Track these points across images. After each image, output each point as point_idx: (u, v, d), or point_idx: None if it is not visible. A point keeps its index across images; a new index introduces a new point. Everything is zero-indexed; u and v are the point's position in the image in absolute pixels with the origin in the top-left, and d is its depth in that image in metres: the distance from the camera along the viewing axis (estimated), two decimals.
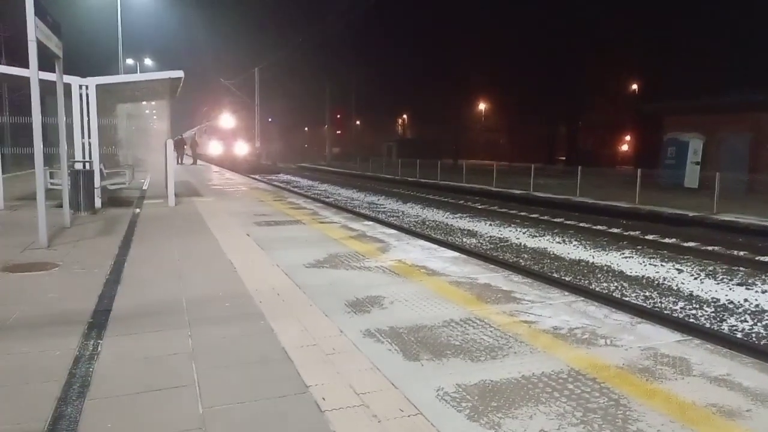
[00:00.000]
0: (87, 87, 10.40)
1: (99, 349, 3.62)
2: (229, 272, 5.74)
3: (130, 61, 42.53)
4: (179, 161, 36.44)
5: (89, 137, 10.49)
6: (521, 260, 11.96)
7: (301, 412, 2.81)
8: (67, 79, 10.14)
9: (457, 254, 6.91)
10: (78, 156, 10.34)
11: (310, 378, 3.18)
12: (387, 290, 5.02)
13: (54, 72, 8.31)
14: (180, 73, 11.22)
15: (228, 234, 8.05)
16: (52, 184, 10.77)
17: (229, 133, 41.61)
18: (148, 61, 46.69)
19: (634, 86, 44.72)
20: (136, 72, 37.79)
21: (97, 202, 10.69)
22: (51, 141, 9.63)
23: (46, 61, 7.87)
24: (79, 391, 3.01)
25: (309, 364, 3.38)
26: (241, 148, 38.88)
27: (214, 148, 41.26)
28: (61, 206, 8.91)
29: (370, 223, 9.34)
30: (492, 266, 6.29)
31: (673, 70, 35.48)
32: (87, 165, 10.34)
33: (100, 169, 11.08)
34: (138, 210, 10.99)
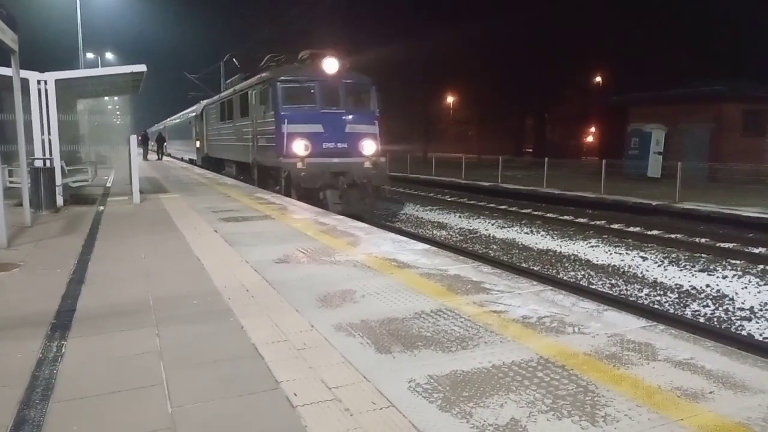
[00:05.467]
0: (46, 82, 10.09)
1: (63, 350, 3.53)
2: (197, 270, 5.65)
3: (91, 56, 41.50)
4: (145, 157, 35.77)
5: (49, 134, 10.20)
6: (490, 251, 12.09)
7: (272, 408, 2.78)
8: (24, 74, 9.82)
9: (427, 246, 6.94)
10: (38, 153, 10.04)
11: (281, 374, 3.15)
12: (358, 284, 5.01)
13: (10, 67, 8.06)
14: (142, 67, 10.98)
15: (195, 231, 7.93)
16: (11, 182, 10.47)
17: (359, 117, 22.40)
18: (109, 56, 45.57)
19: (598, 79, 45.48)
20: (98, 66, 36.79)
21: (59, 200, 10.42)
22: (9, 138, 9.34)
23: (2, 56, 7.63)
24: (42, 394, 2.93)
25: (280, 360, 3.35)
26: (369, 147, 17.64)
27: (299, 146, 16.39)
28: (20, 205, 8.66)
29: (341, 217, 9.30)
30: (462, 258, 6.34)
31: (637, 63, 36.24)
32: (47, 162, 10.05)
33: (62, 166, 10.79)
34: (102, 208, 10.74)
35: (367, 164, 13.57)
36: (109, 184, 16.28)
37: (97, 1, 33.30)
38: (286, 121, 13.20)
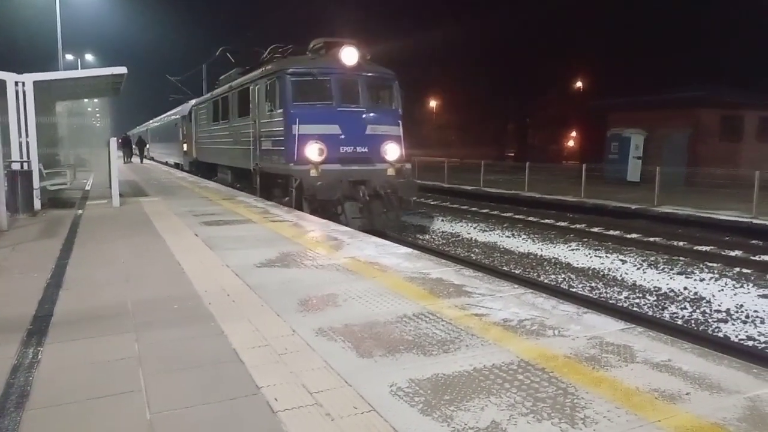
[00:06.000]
0: (24, 84, 9.94)
1: (39, 356, 3.47)
2: (178, 274, 5.60)
3: (70, 57, 40.98)
4: (126, 159, 35.37)
5: (27, 136, 10.05)
6: (472, 254, 12.15)
7: (252, 413, 2.77)
8: (1, 75, 9.69)
9: (410, 250, 6.95)
10: (15, 156, 9.88)
11: (261, 379, 3.13)
12: (340, 288, 5.01)
13: None
14: (123, 70, 10.87)
15: (176, 234, 7.86)
16: None
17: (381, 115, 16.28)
18: (89, 57, 45.02)
19: (579, 84, 46.02)
20: (77, 68, 36.33)
21: (37, 204, 10.26)
22: None
23: None
24: (17, 401, 2.88)
25: (261, 364, 3.33)
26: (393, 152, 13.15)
27: (313, 150, 12.19)
28: None
29: (323, 221, 9.28)
30: (444, 261, 6.35)
31: (617, 68, 36.74)
32: (25, 165, 9.90)
33: (39, 169, 10.63)
34: (80, 211, 10.60)
35: (391, 171, 12.00)
36: (88, 187, 16.07)
37: (76, 2, 32.86)
38: (297, 120, 11.47)
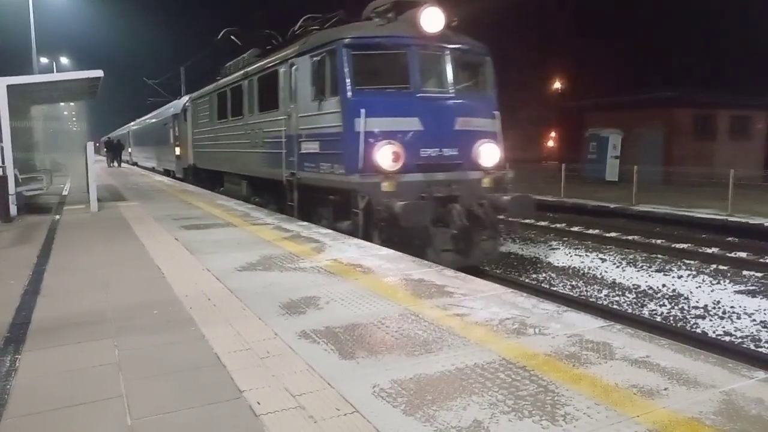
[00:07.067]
0: None
1: (17, 364, 3.42)
2: (158, 279, 5.55)
3: (45, 61, 40.36)
4: (110, 164, 34.92)
5: (1, 141, 9.89)
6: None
7: (235, 417, 2.76)
8: None
9: (392, 252, 6.96)
10: None
11: (243, 383, 3.12)
12: (322, 290, 5.00)
13: None
14: (99, 73, 10.75)
15: (155, 239, 7.79)
16: None
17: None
18: (64, 60, 44.41)
19: (558, 84, 46.52)
20: (52, 72, 35.81)
21: (13, 210, 10.10)
22: None
23: None
24: None
25: (242, 368, 3.32)
26: (491, 154, 9.14)
27: (385, 154, 8.39)
28: None
29: (305, 223, 9.26)
30: (426, 262, 6.38)
31: (594, 70, 37.21)
32: (0, 170, 9.75)
33: (15, 175, 10.46)
34: (58, 217, 10.45)
35: (487, 182, 8.88)
36: (65, 193, 15.84)
37: (50, 3, 32.36)
38: (362, 112, 8.26)
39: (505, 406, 2.80)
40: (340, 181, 8.66)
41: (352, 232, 8.33)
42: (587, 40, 37.98)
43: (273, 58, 11.30)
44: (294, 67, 9.97)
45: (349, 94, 8.46)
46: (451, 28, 9.02)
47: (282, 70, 10.58)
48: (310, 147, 9.55)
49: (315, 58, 9.17)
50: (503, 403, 2.84)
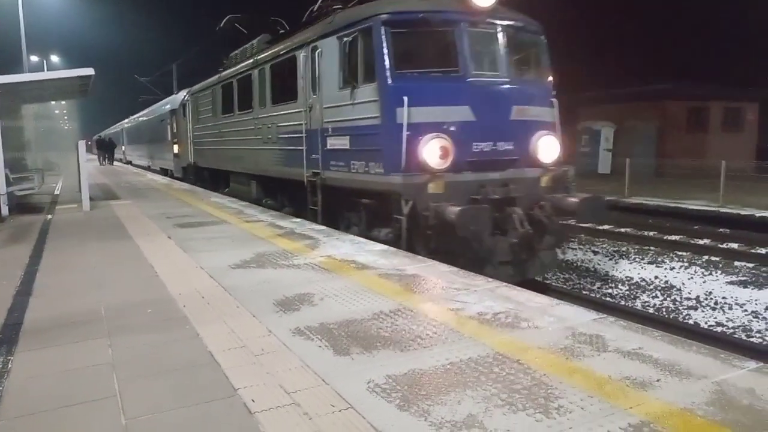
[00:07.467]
0: None
1: (9, 365, 3.41)
2: (151, 277, 5.53)
3: (35, 59, 40.04)
4: (102, 162, 34.80)
5: None
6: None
7: (229, 415, 2.76)
8: None
9: (386, 247, 6.96)
10: None
11: (238, 381, 3.12)
12: (317, 287, 5.00)
13: None
14: (90, 71, 10.67)
15: (148, 238, 7.76)
16: None
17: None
18: (55, 58, 44.07)
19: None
20: (43, 70, 35.55)
21: (4, 210, 10.05)
22: None
23: None
24: None
25: (237, 366, 3.32)
26: (550, 148, 7.99)
27: (432, 150, 7.13)
28: None
29: (299, 220, 9.25)
30: (420, 257, 6.39)
31: (586, 62, 37.24)
32: None
33: (6, 174, 10.39)
34: (50, 216, 10.40)
35: (546, 180, 7.89)
36: (57, 192, 15.76)
37: (40, 1, 32.09)
38: (405, 100, 7.08)
39: (499, 400, 2.81)
40: (378, 182, 7.46)
41: (392, 242, 7.23)
42: (579, 34, 38.01)
43: (289, 42, 10.14)
44: (317, 51, 8.74)
45: (389, 79, 7.23)
46: (501, 2, 7.86)
47: (302, 55, 9.31)
48: (339, 143, 8.39)
49: (345, 39, 7.89)
50: (497, 396, 2.85)
